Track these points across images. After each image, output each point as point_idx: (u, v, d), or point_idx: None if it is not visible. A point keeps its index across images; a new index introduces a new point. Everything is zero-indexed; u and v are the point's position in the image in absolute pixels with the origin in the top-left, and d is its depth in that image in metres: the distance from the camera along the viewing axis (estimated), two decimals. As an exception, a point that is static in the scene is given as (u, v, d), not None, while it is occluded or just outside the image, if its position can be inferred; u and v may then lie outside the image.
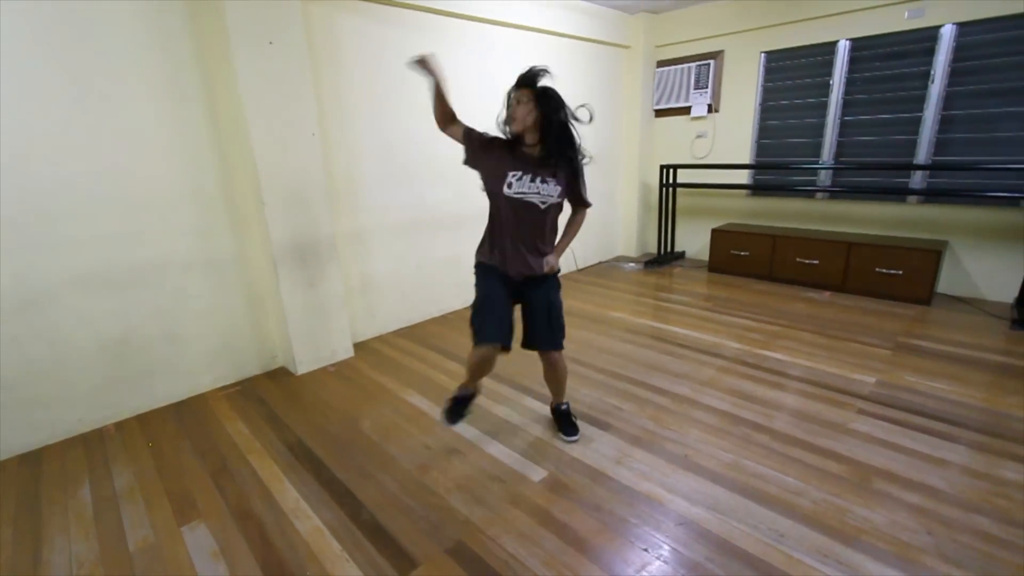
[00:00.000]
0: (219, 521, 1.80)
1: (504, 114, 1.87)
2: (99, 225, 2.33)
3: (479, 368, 2.03)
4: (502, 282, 1.98)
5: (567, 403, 2.28)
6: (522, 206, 1.86)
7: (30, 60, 2.08)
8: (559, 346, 2.08)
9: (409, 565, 1.58)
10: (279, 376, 2.96)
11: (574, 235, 2.11)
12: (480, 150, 1.90)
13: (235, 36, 2.40)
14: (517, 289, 2.00)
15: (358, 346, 3.30)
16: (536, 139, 1.84)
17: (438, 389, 2.71)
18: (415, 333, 3.53)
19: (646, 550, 1.60)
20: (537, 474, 1.99)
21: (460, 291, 3.96)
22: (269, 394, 2.74)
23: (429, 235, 3.69)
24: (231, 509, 1.86)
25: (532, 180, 1.84)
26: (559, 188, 1.88)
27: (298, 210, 2.77)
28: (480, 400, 2.56)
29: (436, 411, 2.49)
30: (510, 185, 1.84)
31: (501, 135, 1.91)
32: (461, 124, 1.94)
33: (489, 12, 3.63)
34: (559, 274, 2.10)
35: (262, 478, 2.03)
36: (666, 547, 1.61)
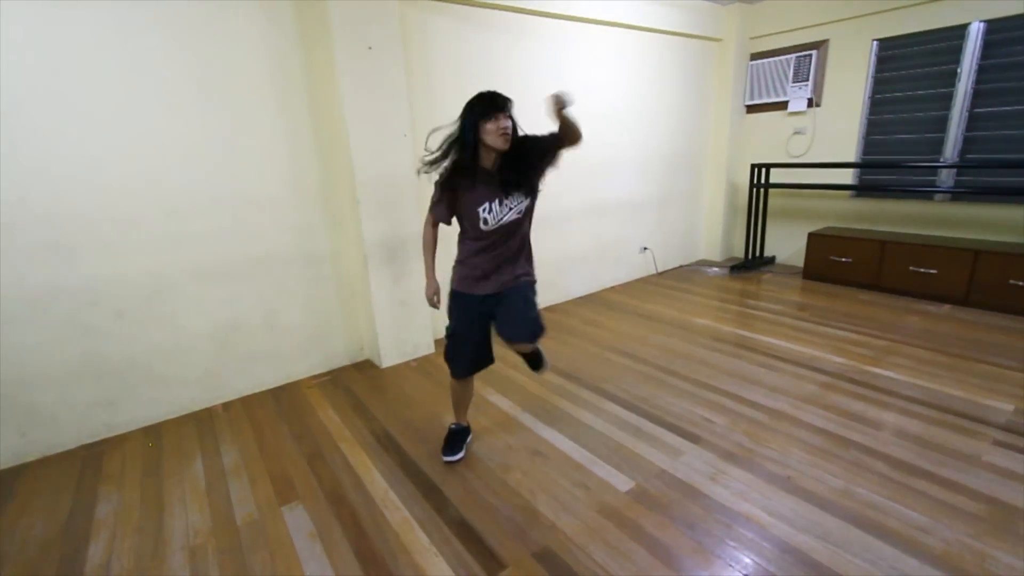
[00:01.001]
0: (315, 504, 1.89)
1: (459, 139, 1.73)
2: (215, 221, 2.54)
3: (460, 400, 2.16)
4: (475, 308, 1.93)
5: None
6: (505, 229, 1.82)
7: (166, 69, 2.29)
8: (534, 339, 1.97)
9: (497, 566, 1.56)
10: (365, 368, 3.08)
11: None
12: (453, 199, 1.81)
13: (338, 43, 2.52)
14: (493, 299, 1.93)
15: (439, 342, 3.37)
16: (496, 156, 1.76)
17: (516, 387, 2.70)
18: (493, 332, 3.54)
19: (746, 574, 1.49)
20: (623, 484, 1.92)
21: (541, 288, 3.92)
22: (356, 384, 2.86)
23: (509, 234, 3.69)
24: (326, 493, 1.95)
25: (502, 202, 1.79)
26: (523, 194, 1.82)
27: (388, 209, 2.87)
28: (561, 403, 2.53)
29: (515, 410, 2.49)
30: (486, 222, 1.79)
31: (446, 169, 1.79)
32: (438, 214, 1.86)
33: (573, 9, 3.57)
34: None
35: (353, 465, 2.11)
36: (768, 574, 1.49)
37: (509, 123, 1.71)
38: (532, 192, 1.86)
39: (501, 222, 1.81)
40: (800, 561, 1.53)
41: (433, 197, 1.87)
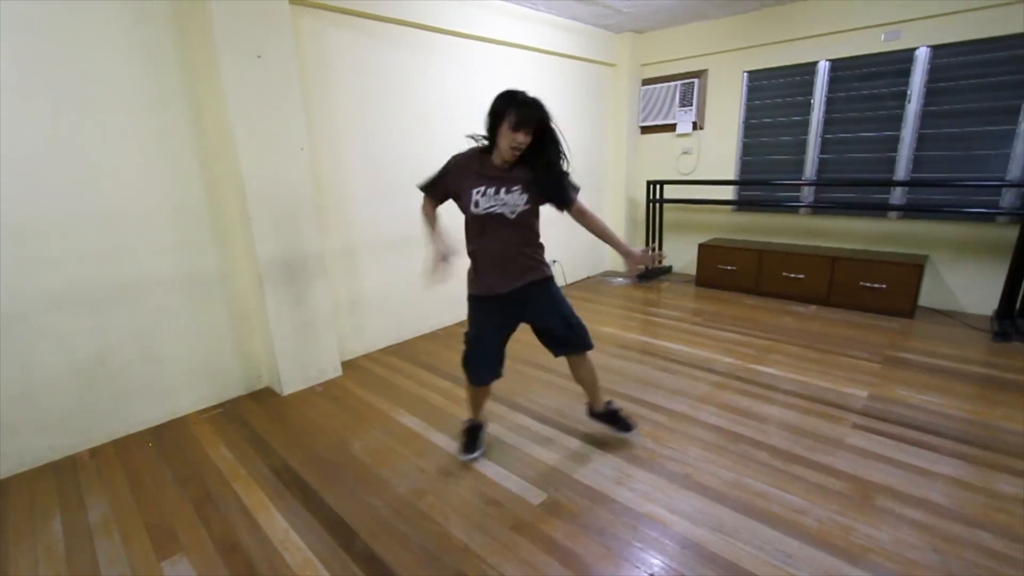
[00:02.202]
0: (202, 555, 1.70)
1: (484, 133, 1.84)
2: (74, 241, 2.23)
3: (476, 400, 2.20)
4: (495, 314, 1.97)
5: (610, 400, 2.29)
6: (492, 219, 1.85)
7: (9, 70, 1.99)
8: (589, 345, 2.08)
9: (408, 598, 1.50)
10: (264, 397, 2.85)
11: (603, 226, 2.02)
12: (453, 185, 1.89)
13: (223, 48, 2.35)
14: (518, 307, 1.97)
15: (346, 364, 3.21)
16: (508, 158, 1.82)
17: (430, 408, 2.64)
18: (405, 350, 3.45)
19: (652, 575, 1.56)
20: (536, 497, 1.93)
21: (451, 307, 3.91)
22: (254, 416, 2.64)
23: (419, 251, 3.63)
24: (215, 541, 1.76)
25: (497, 192, 1.83)
26: (526, 195, 1.86)
27: (285, 226, 2.70)
28: (474, 420, 2.51)
29: (428, 430, 2.42)
30: (477, 204, 1.83)
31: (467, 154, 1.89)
32: (432, 195, 1.96)
33: (476, 29, 3.64)
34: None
35: (248, 506, 1.93)
36: (672, 571, 1.56)
37: (525, 141, 1.75)
38: (533, 202, 1.89)
39: (491, 209, 1.82)
40: (699, 554, 1.63)
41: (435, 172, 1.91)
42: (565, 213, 2.00)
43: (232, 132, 2.45)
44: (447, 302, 3.86)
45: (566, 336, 2.04)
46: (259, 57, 2.47)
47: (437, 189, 1.94)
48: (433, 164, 3.81)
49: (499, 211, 1.83)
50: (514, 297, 1.94)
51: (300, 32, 2.77)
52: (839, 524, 1.74)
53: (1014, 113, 3.44)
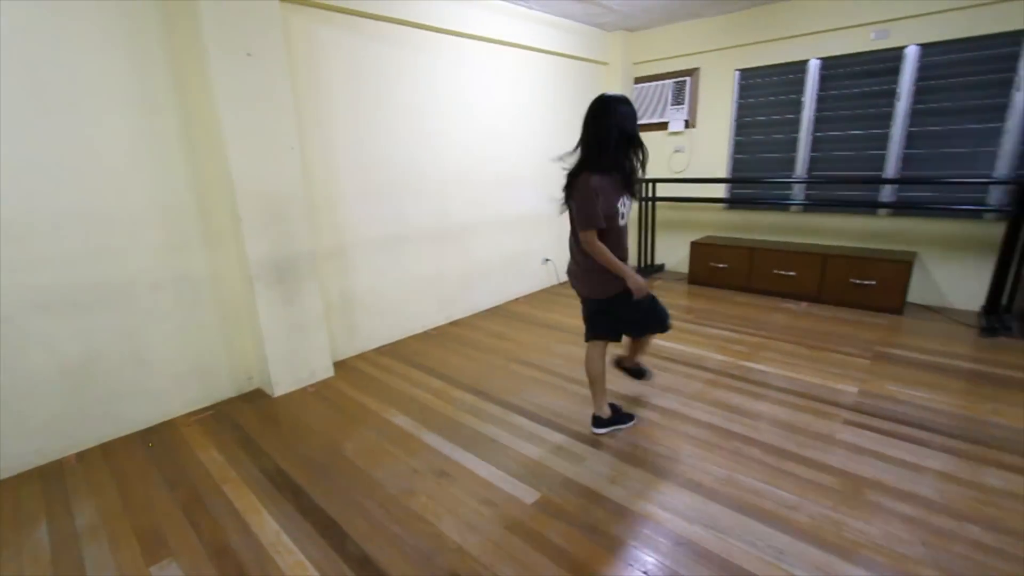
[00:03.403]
0: (192, 559, 1.68)
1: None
2: (61, 243, 2.20)
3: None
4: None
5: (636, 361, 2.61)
6: (624, 226, 2.15)
7: (-13, 69, 1.96)
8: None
9: (400, 600, 1.49)
10: (255, 398, 2.83)
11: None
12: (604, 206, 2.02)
13: (211, 46, 2.32)
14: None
15: (338, 365, 3.19)
16: None
17: (423, 408, 2.63)
18: (397, 351, 3.44)
19: (645, 572, 1.56)
20: (529, 496, 1.93)
21: (442, 307, 3.89)
22: (244, 418, 2.61)
23: (411, 251, 3.62)
24: (205, 545, 1.74)
25: (627, 201, 2.13)
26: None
27: (276, 225, 2.68)
28: (468, 420, 2.51)
29: (420, 430, 2.41)
30: (623, 216, 2.08)
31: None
32: (600, 224, 2.03)
33: (469, 27, 3.63)
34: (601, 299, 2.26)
35: (238, 510, 1.92)
36: (665, 569, 1.57)
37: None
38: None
39: (624, 217, 2.13)
40: (692, 552, 1.63)
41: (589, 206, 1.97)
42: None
43: (222, 131, 2.42)
44: (439, 302, 3.85)
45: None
46: (249, 55, 2.45)
47: (599, 216, 1.98)
48: (424, 164, 3.84)
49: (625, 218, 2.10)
50: None
51: (291, 30, 2.75)
52: (830, 519, 1.75)
53: (1001, 111, 3.47)
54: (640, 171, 2.08)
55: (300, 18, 2.79)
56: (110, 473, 2.18)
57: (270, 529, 1.80)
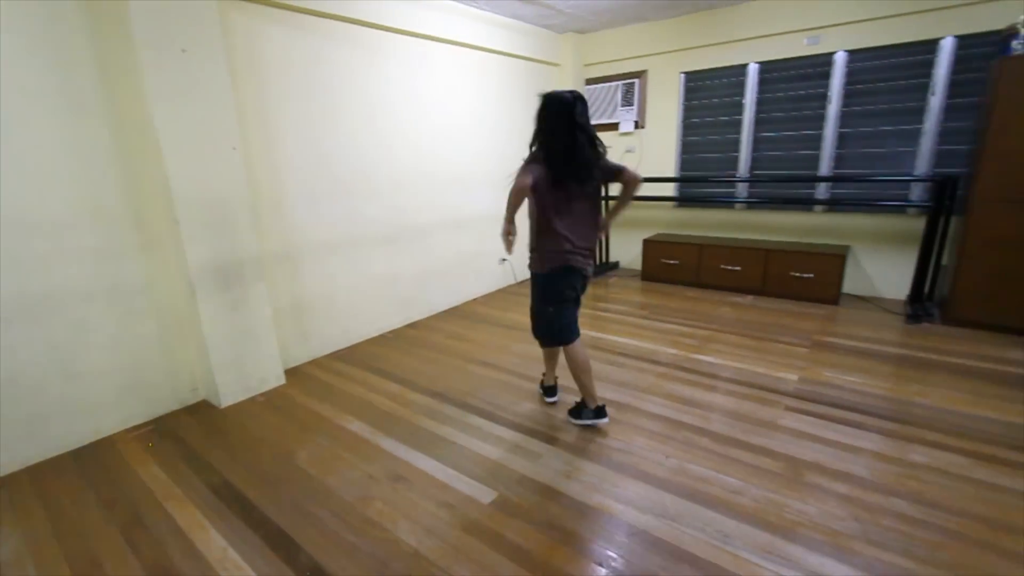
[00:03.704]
0: (131, 582, 1.59)
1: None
2: (-25, 251, 2.04)
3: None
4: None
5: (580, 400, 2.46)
6: None
7: None
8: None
9: (355, 609, 1.46)
10: (200, 410, 2.70)
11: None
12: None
13: (141, 43, 2.20)
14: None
15: (290, 372, 3.09)
16: None
17: (378, 412, 2.59)
18: (352, 355, 3.36)
19: (600, 564, 1.59)
20: (486, 496, 1.93)
21: (399, 309, 3.84)
22: (188, 431, 2.49)
23: (365, 252, 3.55)
24: (146, 567, 1.65)
25: None
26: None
27: (218, 229, 2.57)
28: (424, 422, 2.49)
29: (378, 436, 2.38)
30: None
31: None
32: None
33: (419, 26, 3.59)
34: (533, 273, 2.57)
35: (182, 527, 1.83)
36: (619, 560, 1.61)
37: None
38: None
39: None
40: (644, 541, 1.68)
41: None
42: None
43: (155, 130, 2.30)
44: (395, 305, 3.80)
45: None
46: (184, 51, 2.33)
47: (527, 178, 2.19)
48: (377, 163, 3.78)
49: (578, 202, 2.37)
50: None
51: (231, 27, 2.64)
52: (773, 501, 1.84)
53: (919, 113, 3.74)
54: (581, 154, 2.16)
55: (241, 15, 2.69)
56: (37, 497, 2.04)
57: (216, 546, 1.73)
